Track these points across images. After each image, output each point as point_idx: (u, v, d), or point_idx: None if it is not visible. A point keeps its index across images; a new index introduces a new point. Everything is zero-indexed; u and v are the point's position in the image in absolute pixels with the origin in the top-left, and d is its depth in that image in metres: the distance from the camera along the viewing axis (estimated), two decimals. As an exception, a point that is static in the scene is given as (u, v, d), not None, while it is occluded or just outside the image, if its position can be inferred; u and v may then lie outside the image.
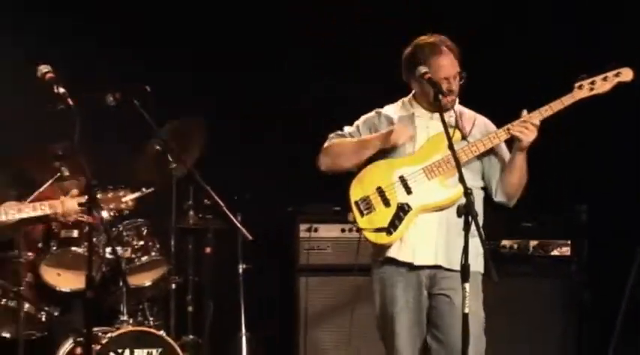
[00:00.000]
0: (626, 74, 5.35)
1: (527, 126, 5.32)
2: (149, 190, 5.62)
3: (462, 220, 4.98)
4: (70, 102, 4.98)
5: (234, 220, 6.37)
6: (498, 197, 5.58)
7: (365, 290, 7.50)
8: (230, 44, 8.36)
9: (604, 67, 5.37)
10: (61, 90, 5.01)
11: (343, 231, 7.82)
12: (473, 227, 4.81)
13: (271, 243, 7.55)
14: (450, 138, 5.05)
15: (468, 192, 4.85)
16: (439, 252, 5.27)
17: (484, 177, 5.59)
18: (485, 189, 5.61)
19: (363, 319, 7.43)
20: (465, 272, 4.82)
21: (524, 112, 5.36)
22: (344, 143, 5.64)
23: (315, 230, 7.91)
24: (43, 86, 5.05)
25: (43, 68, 5.09)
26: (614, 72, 5.35)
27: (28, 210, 5.17)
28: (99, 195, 5.22)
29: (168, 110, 6.51)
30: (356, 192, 5.50)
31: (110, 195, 5.35)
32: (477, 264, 5.17)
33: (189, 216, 6.83)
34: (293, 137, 8.19)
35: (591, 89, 5.35)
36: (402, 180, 5.42)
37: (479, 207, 5.44)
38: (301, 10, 8.27)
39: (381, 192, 5.45)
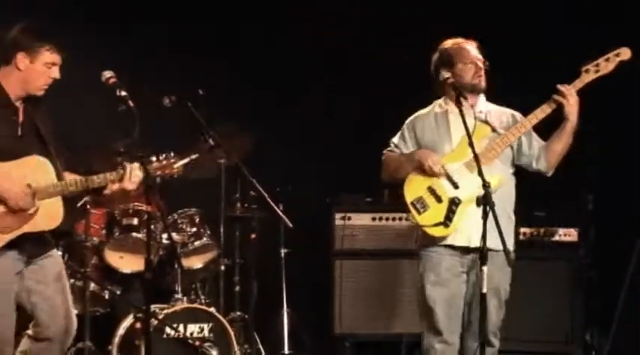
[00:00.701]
0: (625, 53, 5.38)
1: (566, 94, 5.36)
2: (195, 156, 5.58)
3: (503, 205, 5.20)
4: (131, 103, 4.96)
5: (277, 209, 6.38)
6: (539, 165, 5.61)
7: (393, 272, 7.63)
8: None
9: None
10: (123, 93, 4.98)
11: (374, 219, 7.88)
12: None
13: (310, 230, 7.51)
14: (470, 136, 5.13)
15: (485, 185, 4.93)
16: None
17: (519, 157, 5.62)
18: (517, 173, 5.66)
19: (391, 297, 7.59)
20: (483, 256, 4.91)
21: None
22: (394, 161, 5.71)
23: (349, 218, 7.91)
24: (107, 89, 5.03)
25: (107, 73, 5.04)
26: (614, 52, 5.38)
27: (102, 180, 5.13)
28: (155, 163, 5.15)
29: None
30: (410, 194, 5.55)
31: (163, 162, 5.33)
32: (509, 245, 5.19)
33: (237, 206, 6.80)
34: (330, 135, 8.26)
35: (597, 71, 5.38)
36: (448, 177, 5.47)
37: (511, 192, 5.58)
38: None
39: (431, 190, 5.50)
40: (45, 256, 5.11)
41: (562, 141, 5.52)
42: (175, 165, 5.27)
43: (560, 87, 5.39)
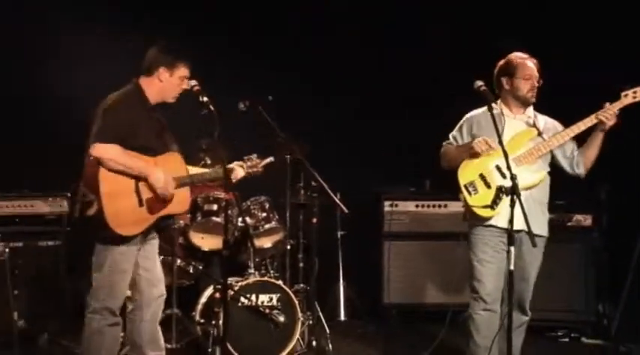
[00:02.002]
0: None
1: (609, 114, 5.38)
2: (272, 159, 5.73)
3: (540, 197, 5.36)
4: (212, 108, 5.04)
5: (335, 197, 6.45)
6: (579, 170, 5.66)
7: (433, 251, 7.65)
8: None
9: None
10: (205, 99, 5.07)
11: (417, 206, 7.96)
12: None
13: (362, 215, 7.54)
14: (499, 136, 5.08)
15: (513, 177, 4.92)
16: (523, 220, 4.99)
17: (561, 161, 5.65)
18: (552, 173, 5.67)
19: (431, 272, 7.61)
20: (510, 238, 4.90)
21: (607, 104, 5.41)
22: (451, 151, 5.73)
23: (396, 205, 7.99)
24: (192, 96, 5.12)
25: (192, 82, 5.16)
26: None
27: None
28: (248, 162, 5.52)
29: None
30: (463, 178, 5.56)
31: (253, 162, 5.54)
32: (543, 230, 5.41)
33: (300, 194, 6.80)
34: (381, 133, 8.25)
35: (634, 98, 5.38)
36: (498, 168, 5.48)
37: (547, 188, 5.62)
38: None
39: (482, 177, 5.52)
40: (153, 236, 5.34)
41: (596, 150, 5.58)
42: (259, 166, 5.45)
43: (607, 108, 5.41)
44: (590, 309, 7.44)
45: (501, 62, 5.68)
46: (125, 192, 5.02)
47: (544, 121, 5.67)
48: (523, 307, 5.58)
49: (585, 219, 7.49)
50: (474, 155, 5.53)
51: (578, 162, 5.64)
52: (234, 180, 5.40)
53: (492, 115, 5.16)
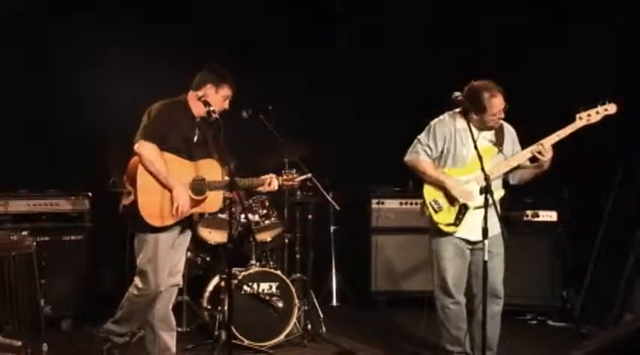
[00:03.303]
0: (612, 108, 5.23)
1: (544, 151, 5.27)
2: (309, 176, 5.76)
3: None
4: (217, 116, 5.07)
5: (328, 196, 6.39)
6: (513, 181, 5.56)
7: (416, 244, 7.60)
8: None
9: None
10: (211, 107, 5.08)
11: (401, 204, 7.96)
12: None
13: (352, 212, 7.49)
14: (479, 155, 4.97)
15: (487, 178, 4.85)
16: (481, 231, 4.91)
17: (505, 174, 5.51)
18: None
19: (414, 263, 7.56)
20: (484, 232, 4.82)
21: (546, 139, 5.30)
22: (425, 170, 5.51)
23: (382, 203, 7.98)
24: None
25: (199, 93, 5.17)
26: (604, 107, 5.21)
27: (257, 182, 5.42)
28: (284, 176, 5.49)
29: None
30: (429, 195, 5.48)
31: (289, 176, 5.50)
32: (496, 228, 5.17)
33: (297, 193, 6.77)
34: (368, 138, 8.17)
35: (588, 120, 5.24)
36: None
37: (498, 197, 5.37)
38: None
39: (447, 195, 5.42)
40: (187, 232, 5.39)
41: (531, 174, 5.50)
42: (296, 180, 5.41)
43: (541, 143, 5.29)
44: (555, 295, 7.40)
45: (471, 95, 5.28)
46: (160, 187, 5.06)
47: (503, 132, 5.47)
48: (497, 295, 5.47)
49: (551, 216, 7.44)
50: (444, 163, 5.45)
51: (515, 176, 5.54)
52: (266, 190, 5.45)
53: (472, 134, 5.08)
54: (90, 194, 6.92)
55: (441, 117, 5.55)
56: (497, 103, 5.30)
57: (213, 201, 5.27)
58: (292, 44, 8.09)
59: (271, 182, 5.40)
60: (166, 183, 5.05)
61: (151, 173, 5.02)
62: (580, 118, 5.25)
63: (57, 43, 7.41)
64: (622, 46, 7.11)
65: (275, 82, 7.70)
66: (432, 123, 5.56)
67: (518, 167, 5.47)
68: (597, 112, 5.23)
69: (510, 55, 7.57)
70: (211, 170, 5.24)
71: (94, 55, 7.42)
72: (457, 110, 5.45)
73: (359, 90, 8.15)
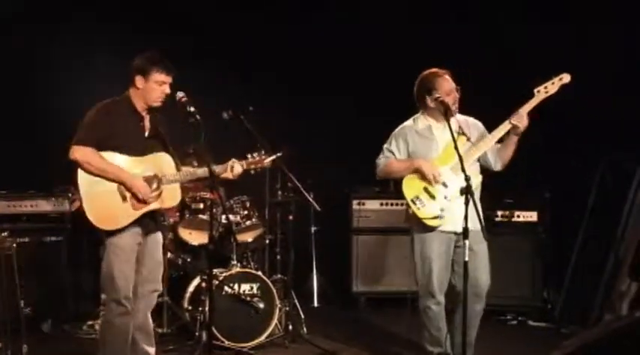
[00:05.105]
0: (566, 78, 5.22)
1: (521, 118, 5.24)
2: (280, 154, 5.61)
3: (476, 199, 5.04)
4: (198, 117, 4.98)
5: (309, 197, 6.38)
6: (497, 167, 5.52)
7: (396, 244, 7.61)
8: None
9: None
10: (192, 109, 4.99)
11: (382, 204, 7.96)
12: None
13: (333, 212, 7.48)
14: (455, 142, 5.03)
15: (467, 179, 4.85)
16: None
17: (484, 162, 5.50)
18: (500, 175, 5.57)
19: (395, 263, 7.57)
20: (465, 232, 4.83)
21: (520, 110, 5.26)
22: (391, 165, 5.56)
23: (363, 204, 7.98)
24: (180, 106, 5.02)
25: (180, 93, 5.06)
26: (559, 77, 5.21)
27: (220, 170, 5.20)
28: (250, 159, 5.28)
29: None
30: (409, 193, 5.43)
31: (256, 158, 5.32)
32: (476, 223, 5.06)
33: (278, 194, 6.77)
34: (348, 138, 8.16)
35: (546, 92, 5.23)
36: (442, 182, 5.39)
37: (479, 191, 5.37)
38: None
39: (426, 190, 5.40)
40: (154, 232, 5.21)
41: (511, 151, 5.43)
42: (266, 161, 5.28)
43: (517, 112, 5.27)
44: (536, 296, 7.42)
45: (418, 84, 5.45)
46: (107, 190, 4.92)
47: (466, 124, 5.49)
48: (480, 294, 5.47)
49: (531, 216, 7.46)
50: (417, 171, 5.43)
51: (496, 161, 5.51)
52: (233, 176, 5.25)
53: (449, 124, 5.10)
54: (70, 195, 6.85)
55: (403, 123, 5.64)
56: (442, 82, 5.35)
57: (171, 194, 5.12)
58: (270, 46, 8.11)
59: (233, 167, 5.24)
60: (116, 178, 4.91)
61: (96, 175, 4.89)
62: (538, 92, 5.26)
63: (46, 45, 7.43)
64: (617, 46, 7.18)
65: (254, 83, 7.72)
66: (395, 130, 5.66)
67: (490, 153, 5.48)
68: (553, 83, 5.24)
69: (510, 55, 7.59)
70: (162, 164, 5.09)
71: (84, 58, 7.44)
72: (418, 113, 5.57)
73: (341, 91, 8.13)
